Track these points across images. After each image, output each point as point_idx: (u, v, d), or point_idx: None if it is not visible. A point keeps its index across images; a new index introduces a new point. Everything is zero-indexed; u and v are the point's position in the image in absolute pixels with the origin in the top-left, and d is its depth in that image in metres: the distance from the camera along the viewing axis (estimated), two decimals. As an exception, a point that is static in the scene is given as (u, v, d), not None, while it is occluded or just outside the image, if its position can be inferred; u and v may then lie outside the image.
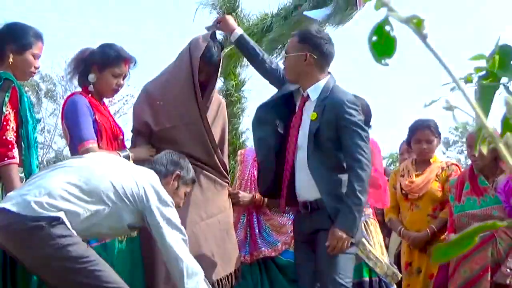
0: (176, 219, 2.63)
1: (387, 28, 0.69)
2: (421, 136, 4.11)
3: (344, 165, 2.89)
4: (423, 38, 0.64)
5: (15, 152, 2.68)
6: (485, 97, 0.83)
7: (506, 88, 0.85)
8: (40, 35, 2.99)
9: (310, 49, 2.97)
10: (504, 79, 0.85)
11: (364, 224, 3.48)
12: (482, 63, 0.87)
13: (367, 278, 3.42)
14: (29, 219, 2.34)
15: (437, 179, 4.07)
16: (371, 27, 0.72)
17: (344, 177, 2.87)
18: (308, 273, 3.02)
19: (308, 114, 2.97)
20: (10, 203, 2.37)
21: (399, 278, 3.55)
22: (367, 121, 3.73)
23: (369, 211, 3.59)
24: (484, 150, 0.79)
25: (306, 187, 2.96)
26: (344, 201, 2.82)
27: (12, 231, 2.37)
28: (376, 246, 3.51)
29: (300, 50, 2.99)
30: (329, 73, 3.06)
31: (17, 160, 2.69)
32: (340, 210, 2.84)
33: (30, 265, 2.46)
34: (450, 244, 0.63)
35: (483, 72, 0.85)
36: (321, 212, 2.91)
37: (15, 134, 2.72)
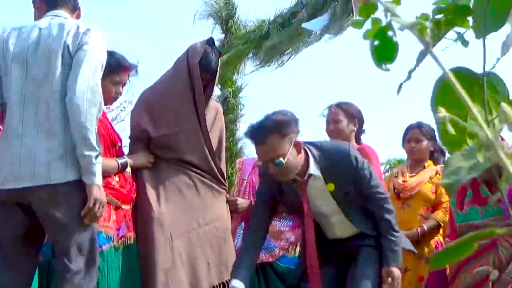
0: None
1: (390, 33, 0.69)
2: (411, 136, 4.19)
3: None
4: (426, 44, 0.64)
5: None
6: (431, 39, 0.82)
7: (460, 36, 0.84)
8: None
9: (292, 133, 2.78)
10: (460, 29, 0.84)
11: None
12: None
13: None
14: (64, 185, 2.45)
15: (430, 181, 4.10)
16: (374, 31, 0.71)
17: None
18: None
19: (317, 189, 2.92)
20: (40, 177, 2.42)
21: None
22: (360, 126, 3.75)
23: None
24: (481, 159, 0.79)
25: (343, 232, 3.06)
26: (385, 238, 2.94)
27: (54, 197, 2.45)
28: None
29: (289, 142, 2.76)
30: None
31: None
32: (385, 248, 2.93)
33: (57, 223, 2.47)
34: (448, 250, 0.63)
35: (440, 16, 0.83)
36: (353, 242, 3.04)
37: None
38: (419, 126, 4.18)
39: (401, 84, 0.80)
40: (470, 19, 0.84)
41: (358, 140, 3.72)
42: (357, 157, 2.91)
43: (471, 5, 0.80)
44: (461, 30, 0.86)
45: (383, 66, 0.71)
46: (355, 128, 3.67)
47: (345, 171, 2.88)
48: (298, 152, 2.80)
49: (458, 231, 3.69)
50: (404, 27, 0.63)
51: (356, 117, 3.69)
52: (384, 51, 0.69)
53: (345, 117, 3.66)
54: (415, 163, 4.21)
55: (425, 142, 4.19)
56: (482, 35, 0.78)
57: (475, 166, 0.67)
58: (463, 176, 0.67)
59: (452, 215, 3.77)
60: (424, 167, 4.17)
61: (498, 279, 3.43)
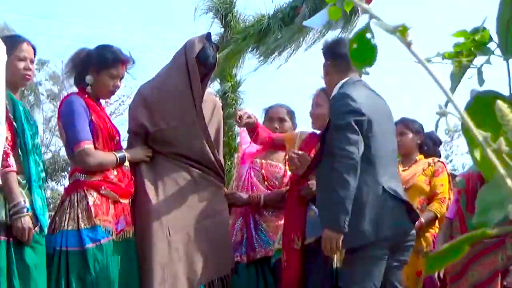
0: None
1: (368, 35, 0.68)
2: (396, 132, 4.27)
3: None
4: (408, 45, 0.64)
5: (10, 160, 2.68)
6: (456, 74, 0.83)
7: (479, 71, 0.86)
8: (20, 36, 2.94)
9: (327, 57, 3.04)
10: (479, 60, 0.86)
11: None
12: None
13: None
14: None
15: (423, 173, 4.14)
16: (352, 34, 0.71)
17: None
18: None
19: None
20: None
21: None
22: None
23: None
24: (478, 156, 0.79)
25: None
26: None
27: None
28: None
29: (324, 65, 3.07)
30: (360, 76, 3.01)
31: (13, 168, 2.68)
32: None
33: None
34: (441, 254, 0.63)
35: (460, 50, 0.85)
36: None
37: (10, 143, 2.70)
38: (402, 120, 4.25)
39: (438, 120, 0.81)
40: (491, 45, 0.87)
41: None
42: (338, 101, 2.82)
43: (495, 28, 0.82)
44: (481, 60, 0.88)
45: (363, 70, 0.71)
46: None
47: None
48: (326, 74, 3.08)
49: None
50: (385, 30, 0.62)
51: None
52: (363, 54, 0.68)
53: (326, 102, 3.37)
54: (405, 158, 4.25)
55: (410, 135, 4.24)
56: (506, 58, 0.79)
57: (503, 202, 0.65)
58: (492, 216, 0.65)
59: (463, 217, 3.75)
60: (416, 161, 4.22)
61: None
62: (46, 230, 2.80)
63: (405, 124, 4.24)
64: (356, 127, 2.73)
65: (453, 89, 0.87)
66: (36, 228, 2.72)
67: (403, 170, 4.17)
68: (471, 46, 0.87)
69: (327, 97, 3.38)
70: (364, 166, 2.74)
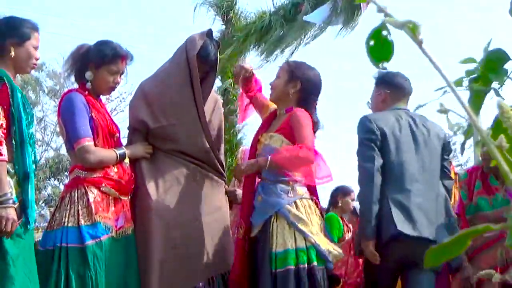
0: None
1: (384, 33, 0.69)
2: None
3: None
4: (419, 43, 0.64)
5: (3, 149, 2.60)
6: (475, 100, 0.84)
7: (497, 92, 0.86)
8: (36, 25, 2.90)
9: (385, 86, 3.43)
10: (495, 84, 0.86)
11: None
12: (472, 66, 0.88)
13: (292, 267, 2.97)
14: None
15: None
16: (369, 31, 0.72)
17: None
18: None
19: None
20: None
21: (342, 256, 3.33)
22: (305, 90, 3.28)
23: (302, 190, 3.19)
24: (478, 152, 0.80)
25: None
26: None
27: None
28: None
29: None
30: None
31: (5, 157, 2.60)
32: None
33: None
34: (442, 248, 0.63)
35: (474, 75, 0.86)
36: None
37: (4, 131, 2.64)
38: None
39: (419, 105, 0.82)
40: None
41: (302, 106, 3.26)
42: (361, 117, 3.22)
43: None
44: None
45: (380, 65, 0.72)
46: (294, 91, 3.25)
47: None
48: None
49: (471, 223, 3.72)
50: (397, 27, 0.63)
51: (299, 79, 3.25)
52: (380, 50, 0.70)
53: (286, 75, 3.28)
54: None
55: None
56: None
57: None
58: None
59: (463, 210, 3.78)
60: None
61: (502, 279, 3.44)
62: (32, 224, 2.67)
63: None
64: (371, 144, 3.12)
65: (477, 114, 0.88)
66: (19, 221, 2.61)
67: None
68: (485, 72, 0.87)
69: (288, 70, 3.31)
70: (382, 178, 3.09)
